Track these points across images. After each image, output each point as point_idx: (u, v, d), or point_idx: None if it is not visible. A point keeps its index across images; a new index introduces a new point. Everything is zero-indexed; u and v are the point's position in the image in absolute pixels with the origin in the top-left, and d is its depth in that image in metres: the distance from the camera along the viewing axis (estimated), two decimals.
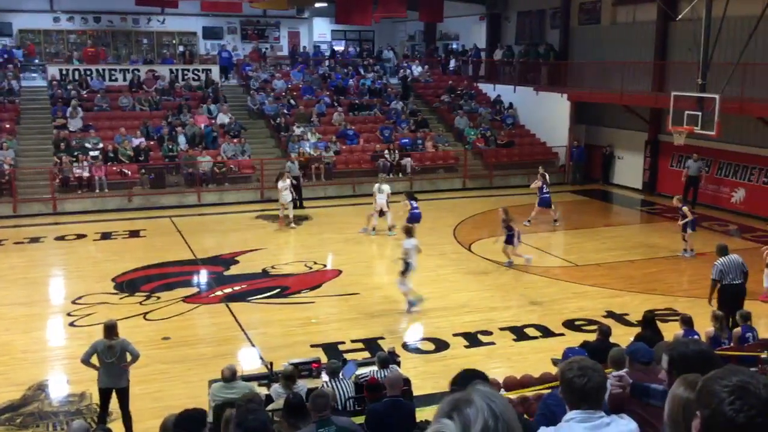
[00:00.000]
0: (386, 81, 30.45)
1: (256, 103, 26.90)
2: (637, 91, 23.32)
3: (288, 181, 19.08)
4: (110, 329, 8.60)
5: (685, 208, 16.23)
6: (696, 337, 8.35)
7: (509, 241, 15.48)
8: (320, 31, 36.70)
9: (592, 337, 9.56)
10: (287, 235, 18.84)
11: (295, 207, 21.62)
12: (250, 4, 28.26)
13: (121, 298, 13.64)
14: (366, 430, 6.26)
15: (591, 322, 12.05)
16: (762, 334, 9.68)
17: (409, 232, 13.19)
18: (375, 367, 8.23)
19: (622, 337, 9.93)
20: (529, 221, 18.86)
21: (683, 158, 22.39)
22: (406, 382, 7.86)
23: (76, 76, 26.57)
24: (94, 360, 8.59)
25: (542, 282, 14.80)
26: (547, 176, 19.60)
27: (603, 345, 8.28)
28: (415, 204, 17.64)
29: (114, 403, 8.64)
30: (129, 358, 8.62)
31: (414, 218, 17.09)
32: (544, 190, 18.99)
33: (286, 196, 18.97)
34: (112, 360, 8.46)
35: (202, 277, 15.39)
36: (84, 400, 9.48)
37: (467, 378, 3.73)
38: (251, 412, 4.78)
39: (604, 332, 8.80)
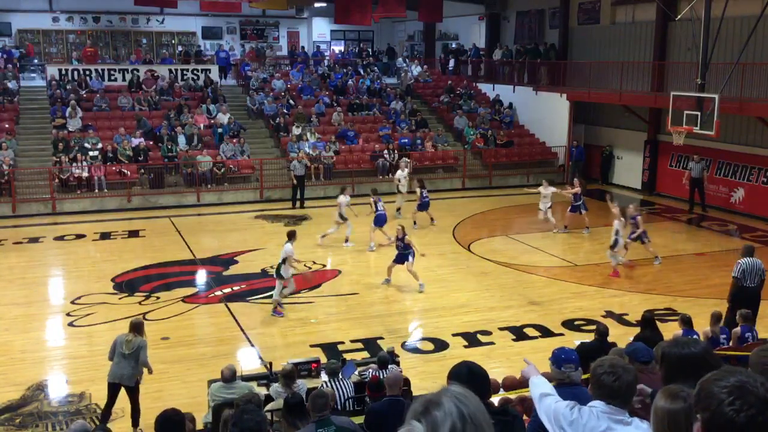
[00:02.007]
0: (396, 81, 30.45)
1: (255, 103, 26.89)
2: (637, 91, 23.31)
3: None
4: (135, 327, 8.67)
5: (639, 218, 15.63)
6: (695, 336, 8.35)
7: (401, 259, 14.17)
8: (319, 31, 36.75)
9: (591, 337, 9.55)
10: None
11: (295, 206, 21.66)
12: (250, 4, 28.25)
13: (120, 298, 13.64)
14: (365, 430, 6.26)
15: (590, 322, 12.05)
16: (762, 335, 9.68)
17: (290, 236, 13.06)
18: (374, 366, 8.23)
19: (622, 336, 9.95)
20: (565, 227, 18.75)
21: (683, 158, 22.40)
22: (406, 381, 7.85)
23: (75, 76, 26.56)
24: None
25: (541, 282, 14.80)
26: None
27: (600, 345, 8.28)
28: (425, 192, 18.98)
29: (118, 404, 8.65)
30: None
31: (423, 206, 18.98)
32: (579, 197, 18.62)
33: None
34: (126, 352, 8.45)
35: (202, 277, 15.39)
36: (83, 400, 9.48)
37: (467, 372, 3.63)
38: (247, 412, 4.79)
39: (601, 332, 8.79)
